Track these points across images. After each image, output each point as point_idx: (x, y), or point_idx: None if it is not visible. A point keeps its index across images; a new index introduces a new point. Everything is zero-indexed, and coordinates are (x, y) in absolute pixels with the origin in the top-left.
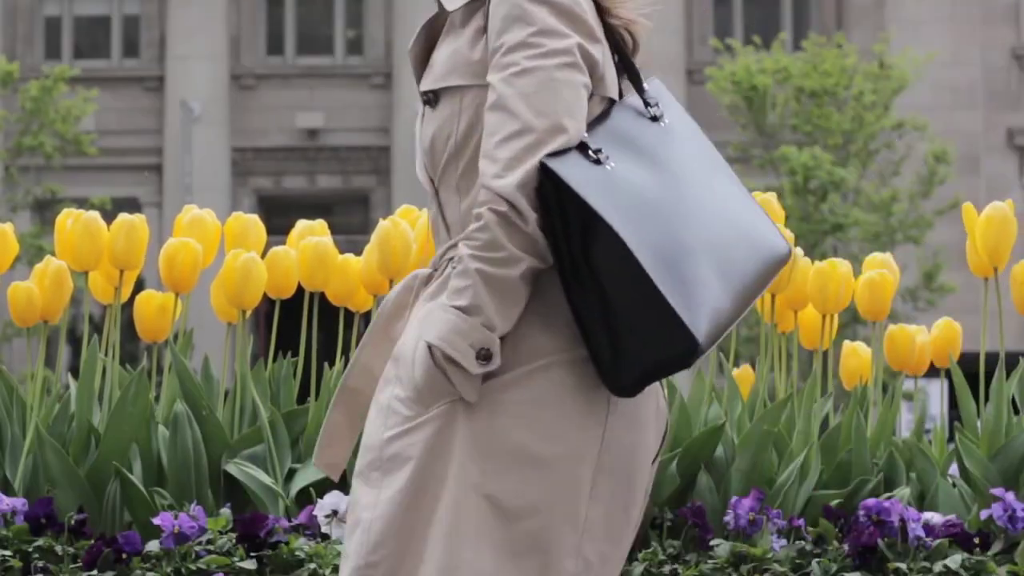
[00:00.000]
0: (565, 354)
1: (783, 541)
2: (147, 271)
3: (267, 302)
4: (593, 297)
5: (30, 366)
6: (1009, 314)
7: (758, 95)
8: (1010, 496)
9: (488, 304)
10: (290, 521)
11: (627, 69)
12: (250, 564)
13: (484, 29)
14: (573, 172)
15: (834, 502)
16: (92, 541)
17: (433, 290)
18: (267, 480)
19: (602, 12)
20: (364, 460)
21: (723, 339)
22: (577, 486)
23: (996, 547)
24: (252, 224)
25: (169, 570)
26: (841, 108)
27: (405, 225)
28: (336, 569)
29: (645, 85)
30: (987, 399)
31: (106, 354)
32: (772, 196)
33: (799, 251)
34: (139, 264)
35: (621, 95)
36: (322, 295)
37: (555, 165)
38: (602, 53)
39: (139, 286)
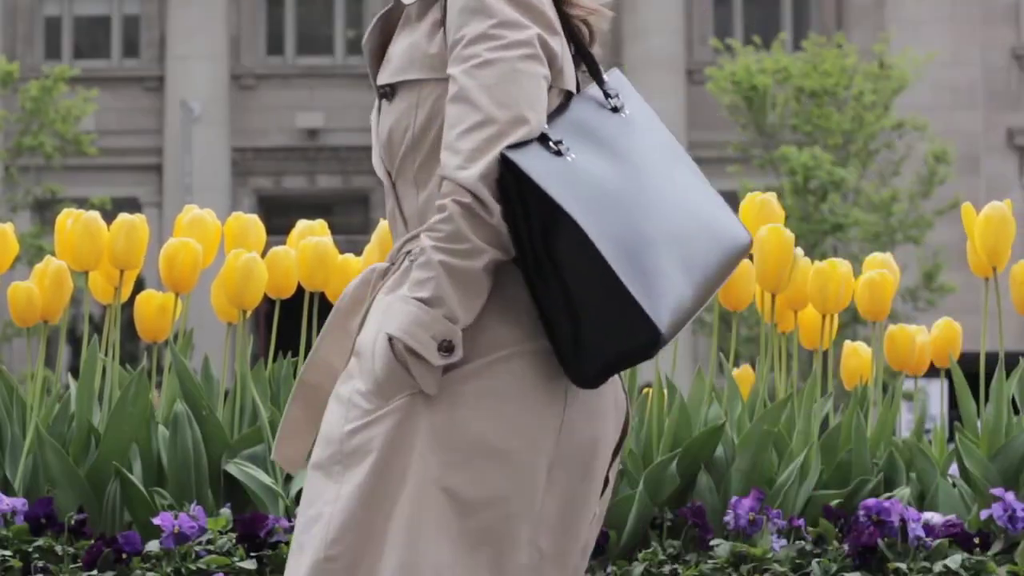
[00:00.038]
0: (525, 345)
1: (783, 541)
2: (147, 271)
3: (267, 302)
4: (555, 288)
5: (30, 366)
6: (1009, 314)
7: (758, 95)
8: (1010, 496)
9: (451, 296)
10: (290, 521)
11: (585, 60)
12: (250, 564)
13: (441, 22)
14: (534, 164)
15: (834, 502)
16: (92, 541)
17: (392, 283)
18: (267, 480)
19: (561, 3)
20: (325, 453)
21: (724, 341)
22: (533, 478)
23: (996, 547)
24: (252, 224)
25: (169, 570)
26: (841, 108)
27: None
28: None
29: (605, 76)
30: (987, 399)
31: (106, 354)
32: (772, 196)
33: (799, 251)
34: (139, 264)
35: (579, 88)
36: (322, 295)
37: (516, 157)
38: (561, 45)
39: (139, 286)
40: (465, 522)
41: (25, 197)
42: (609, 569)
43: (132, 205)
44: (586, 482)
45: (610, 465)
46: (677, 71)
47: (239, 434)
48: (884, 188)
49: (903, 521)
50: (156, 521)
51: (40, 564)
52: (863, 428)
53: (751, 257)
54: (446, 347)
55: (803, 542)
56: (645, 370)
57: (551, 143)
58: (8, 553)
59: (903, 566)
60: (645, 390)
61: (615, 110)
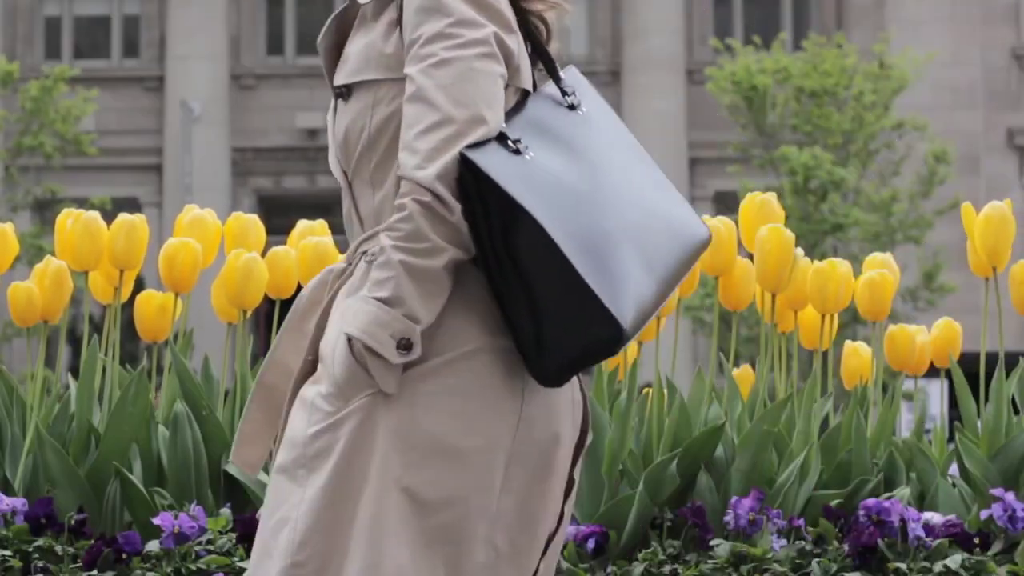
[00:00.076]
0: (484, 343)
1: (783, 541)
2: (147, 271)
3: (267, 302)
4: (516, 287)
5: (30, 366)
6: (1009, 314)
7: (758, 95)
8: (1010, 496)
9: (411, 295)
10: None
11: (542, 58)
12: None
13: (397, 22)
14: (493, 162)
15: (834, 502)
16: (92, 541)
17: (350, 285)
18: (267, 480)
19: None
20: (289, 457)
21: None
22: (491, 477)
23: (996, 547)
24: (252, 224)
25: (169, 570)
26: (841, 108)
27: None
28: None
29: (562, 74)
30: (987, 399)
31: (106, 354)
32: (772, 196)
33: (799, 251)
34: (139, 264)
35: (535, 86)
36: None
37: (475, 156)
38: (517, 43)
39: (139, 286)
40: (424, 521)
41: (25, 197)
42: (609, 569)
43: (132, 205)
44: (545, 479)
45: (573, 464)
46: (677, 71)
47: None
48: (884, 188)
49: (903, 521)
50: (156, 521)
51: (40, 564)
52: (863, 428)
53: (751, 257)
54: (404, 345)
55: (803, 542)
56: (645, 370)
57: (509, 142)
58: (8, 553)
59: (903, 566)
60: (645, 390)
61: (572, 108)
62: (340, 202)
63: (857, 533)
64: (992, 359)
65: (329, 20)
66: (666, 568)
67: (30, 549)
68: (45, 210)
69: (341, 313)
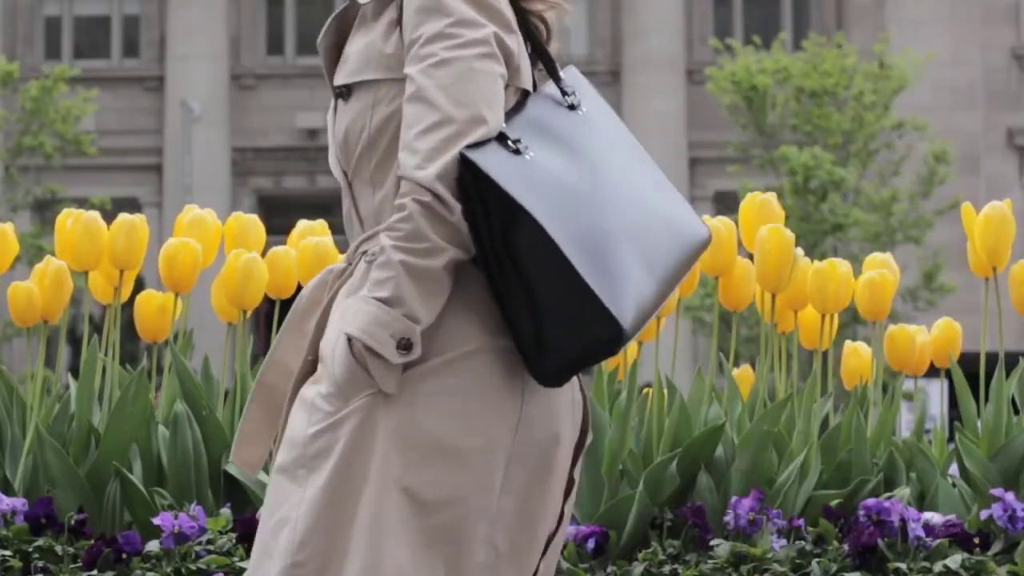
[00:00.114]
0: (484, 343)
1: (783, 541)
2: (147, 271)
3: (267, 302)
4: (516, 287)
5: (30, 366)
6: (1009, 314)
7: (758, 95)
8: (1010, 496)
9: (411, 295)
10: None
11: (542, 58)
12: None
13: (397, 22)
14: (493, 163)
15: (834, 502)
16: (92, 541)
17: (350, 285)
18: (267, 480)
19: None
20: (289, 457)
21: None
22: (491, 477)
23: (996, 547)
24: (252, 224)
25: (169, 570)
26: (841, 108)
27: None
28: None
29: (561, 74)
30: (987, 399)
31: (106, 354)
32: (772, 196)
33: (799, 251)
34: (139, 264)
35: (535, 86)
36: None
37: (475, 156)
38: (517, 43)
39: (139, 286)
40: (424, 521)
41: (25, 197)
42: (609, 569)
43: (132, 205)
44: (545, 480)
45: (573, 464)
46: (677, 71)
47: None
48: (884, 188)
49: (903, 521)
50: (156, 521)
51: (40, 564)
52: (863, 428)
53: (751, 257)
54: (404, 345)
55: (803, 542)
56: (645, 370)
57: (509, 142)
58: (8, 553)
59: (903, 566)
60: (645, 390)
61: (572, 108)
62: (340, 202)
63: (857, 533)
64: (992, 359)
65: (329, 20)
66: (666, 568)
67: (30, 549)
68: (45, 210)
69: (341, 313)
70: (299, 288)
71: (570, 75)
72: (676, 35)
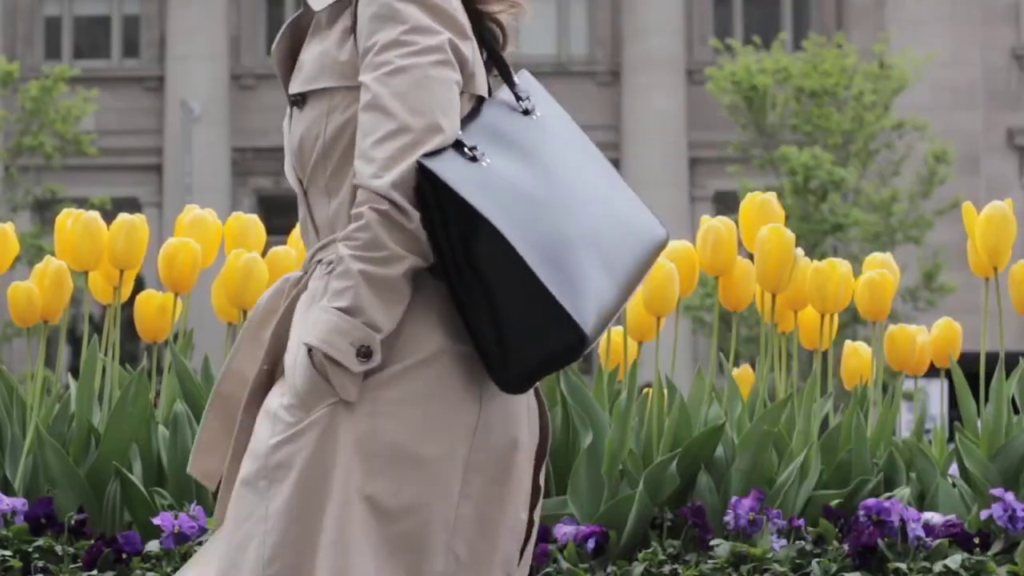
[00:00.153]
0: (442, 348)
1: (783, 541)
2: (147, 271)
3: None
4: (477, 294)
5: (30, 366)
6: (1009, 314)
7: (758, 95)
8: (1010, 496)
9: (370, 304)
10: None
11: (496, 63)
12: None
13: (352, 29)
14: (451, 171)
15: (834, 502)
16: (92, 541)
17: (308, 294)
18: None
19: (475, 1)
20: (252, 468)
21: (724, 341)
22: (451, 484)
23: (996, 547)
24: (252, 224)
25: (169, 570)
26: (841, 108)
27: None
28: None
29: (516, 79)
30: (987, 399)
31: (106, 354)
32: (772, 196)
33: (799, 251)
34: (139, 264)
35: (490, 92)
36: None
37: (432, 164)
38: (472, 50)
39: (139, 286)
40: (387, 529)
41: (25, 197)
42: (609, 569)
43: (132, 205)
44: (503, 485)
45: (536, 472)
46: (677, 71)
47: None
48: (884, 188)
49: (903, 521)
50: (156, 521)
51: (40, 564)
52: (863, 428)
53: (751, 257)
54: (364, 353)
55: (803, 542)
56: (645, 370)
57: (466, 149)
58: (8, 553)
59: (903, 566)
60: (645, 390)
61: (526, 112)
62: None
63: (857, 533)
64: (992, 359)
65: (283, 27)
66: (666, 568)
67: (30, 549)
68: (45, 210)
69: (301, 324)
70: None
71: (524, 79)
72: (676, 35)
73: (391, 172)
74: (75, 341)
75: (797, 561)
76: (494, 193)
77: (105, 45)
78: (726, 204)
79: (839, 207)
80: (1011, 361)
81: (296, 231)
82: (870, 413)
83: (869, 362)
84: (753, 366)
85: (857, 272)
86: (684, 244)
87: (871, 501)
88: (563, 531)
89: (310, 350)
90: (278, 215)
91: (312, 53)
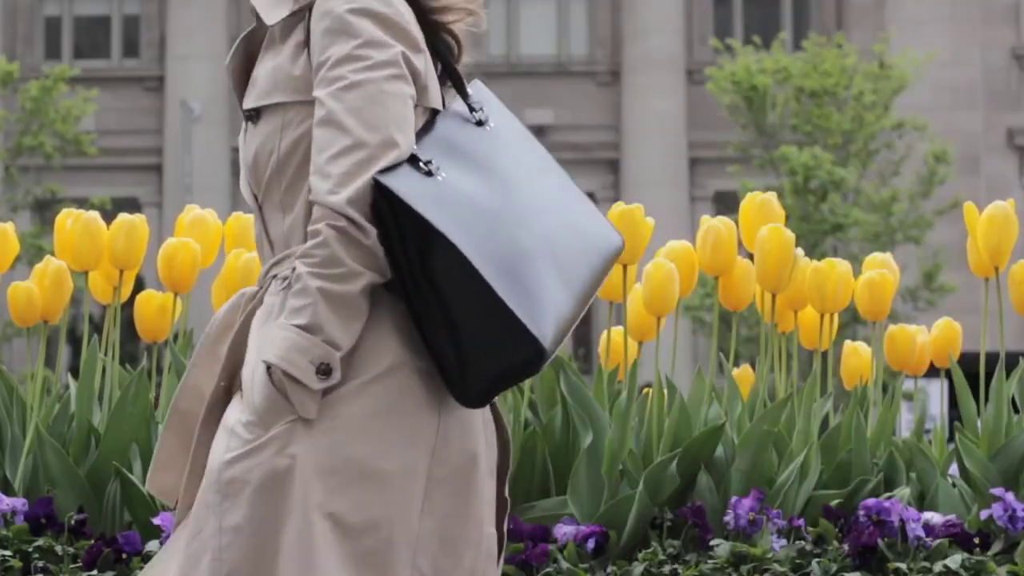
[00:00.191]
0: (399, 362)
1: (783, 541)
2: (147, 271)
3: None
4: (435, 309)
5: (30, 366)
6: (1009, 314)
7: (758, 95)
8: (1010, 496)
9: (328, 321)
10: None
11: (451, 75)
12: None
13: (305, 43)
14: (406, 186)
15: (834, 502)
16: (92, 541)
17: (264, 310)
18: None
19: (430, 13)
20: (206, 482)
21: (724, 341)
22: (412, 498)
23: (996, 547)
24: (252, 224)
25: None
26: (841, 108)
27: None
28: None
29: (469, 90)
30: (987, 399)
31: (106, 354)
32: (772, 196)
33: (799, 251)
34: (139, 264)
35: (444, 105)
36: None
37: (388, 180)
38: (424, 62)
39: (139, 286)
40: (350, 546)
41: (25, 197)
42: (609, 569)
43: (132, 205)
44: (465, 499)
45: (501, 485)
46: (677, 71)
47: None
48: (884, 188)
49: (903, 521)
50: (156, 521)
51: (40, 564)
52: (863, 428)
53: (751, 257)
54: (324, 370)
55: (803, 542)
56: (645, 370)
57: (421, 163)
58: (8, 553)
59: (903, 566)
60: (645, 390)
61: (480, 124)
62: None
63: (857, 533)
64: (992, 359)
65: (237, 42)
66: (666, 568)
67: (30, 549)
68: (45, 210)
69: (259, 341)
70: None
71: (476, 90)
72: (676, 35)
73: (347, 188)
74: (75, 341)
75: (797, 561)
76: (450, 207)
77: (105, 45)
78: (726, 204)
79: (839, 207)
80: (1011, 361)
81: None
82: (870, 413)
83: (869, 362)
84: (753, 366)
85: (857, 272)
86: (684, 244)
87: (871, 501)
88: (563, 531)
89: (269, 368)
90: None
91: (266, 68)
